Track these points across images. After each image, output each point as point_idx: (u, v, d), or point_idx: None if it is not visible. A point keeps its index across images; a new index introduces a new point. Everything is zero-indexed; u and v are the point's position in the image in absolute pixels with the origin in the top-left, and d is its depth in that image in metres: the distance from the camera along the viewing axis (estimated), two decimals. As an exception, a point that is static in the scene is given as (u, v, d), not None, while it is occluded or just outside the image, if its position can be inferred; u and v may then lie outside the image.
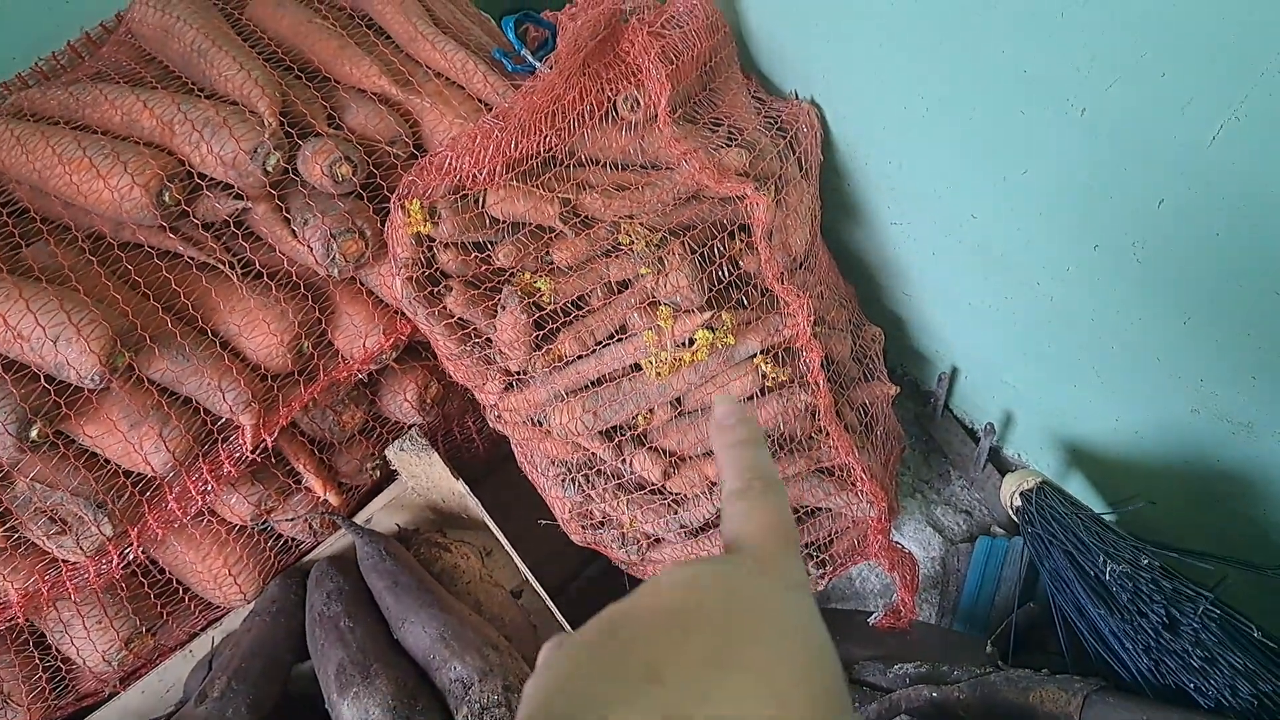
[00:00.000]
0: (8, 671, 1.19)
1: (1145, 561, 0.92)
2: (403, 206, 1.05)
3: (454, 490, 1.36)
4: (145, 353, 1.05)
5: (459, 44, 1.22)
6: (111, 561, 1.08)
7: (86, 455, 1.07)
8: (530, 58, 1.23)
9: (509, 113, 1.06)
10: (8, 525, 1.04)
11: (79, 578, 1.08)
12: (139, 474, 1.09)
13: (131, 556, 1.09)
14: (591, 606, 1.23)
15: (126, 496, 1.08)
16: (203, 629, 1.30)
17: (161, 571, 1.24)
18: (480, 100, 1.21)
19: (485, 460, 1.54)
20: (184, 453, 1.08)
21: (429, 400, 1.34)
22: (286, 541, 1.32)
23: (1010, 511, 1.18)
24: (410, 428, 1.35)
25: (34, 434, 0.99)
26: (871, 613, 1.34)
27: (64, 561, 1.08)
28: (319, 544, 1.35)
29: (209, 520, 1.23)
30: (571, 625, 1.21)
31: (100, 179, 1.05)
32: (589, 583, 1.44)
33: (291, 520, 1.29)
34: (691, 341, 1.12)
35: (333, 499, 1.30)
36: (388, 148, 1.16)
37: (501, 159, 1.07)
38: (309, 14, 1.22)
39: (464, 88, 1.21)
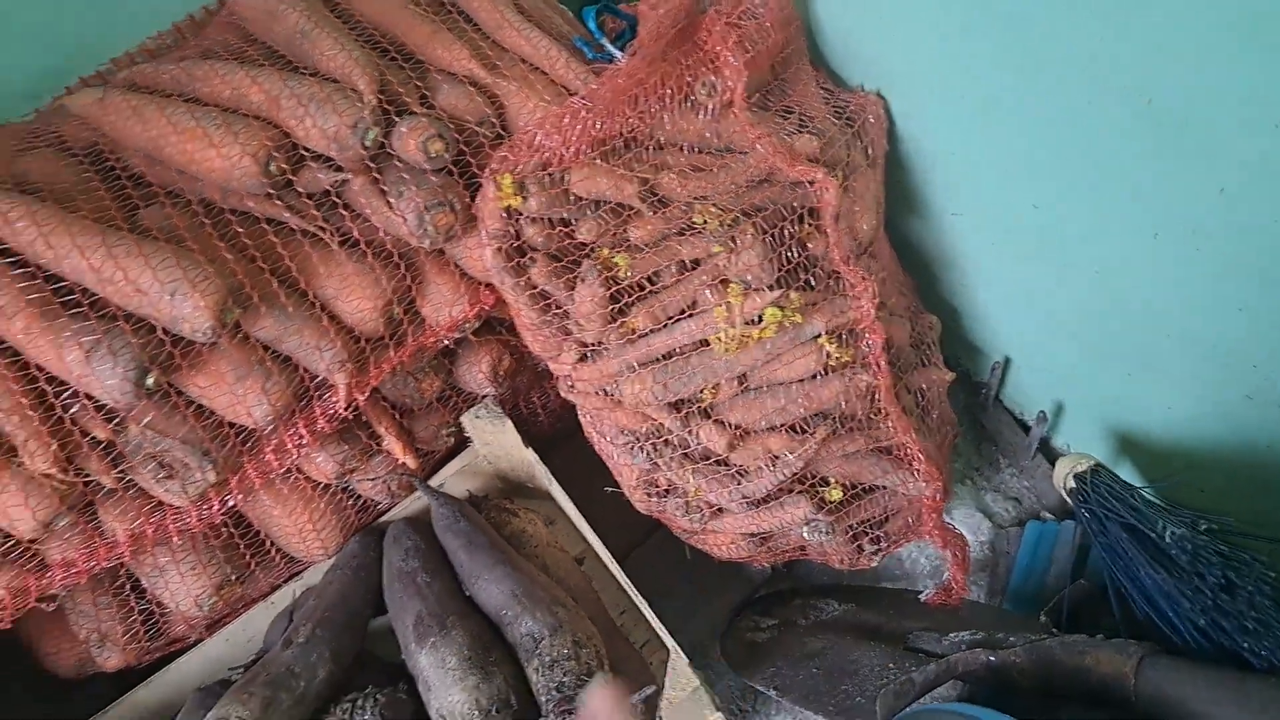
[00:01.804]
0: (106, 613, 1.26)
1: (1204, 527, 0.96)
2: (495, 181, 1.12)
3: (523, 459, 1.43)
4: (252, 311, 1.12)
5: (543, 32, 1.28)
6: (212, 507, 1.15)
7: (194, 406, 1.14)
8: (609, 46, 1.30)
9: (596, 94, 1.13)
10: (120, 469, 1.12)
11: (182, 522, 1.15)
12: (240, 426, 1.17)
13: (230, 504, 1.16)
14: (651, 573, 1.29)
15: (229, 446, 1.15)
16: (284, 581, 1.37)
17: (250, 525, 1.31)
18: (561, 85, 1.27)
19: (549, 435, 1.60)
20: (283, 407, 1.15)
21: (501, 373, 1.41)
22: (365, 502, 1.38)
23: (1063, 493, 1.22)
24: (484, 398, 1.41)
25: (150, 382, 1.07)
26: (921, 592, 1.39)
27: (169, 506, 1.16)
28: (394, 505, 1.41)
29: (296, 477, 1.30)
30: (636, 588, 1.26)
31: (213, 148, 1.13)
32: (650, 551, 1.49)
33: (372, 481, 1.36)
34: (760, 319, 1.18)
35: (410, 462, 1.37)
36: (476, 127, 1.22)
37: (586, 139, 1.14)
38: (404, 0, 1.29)
39: (546, 73, 1.28)
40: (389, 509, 1.42)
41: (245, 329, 1.14)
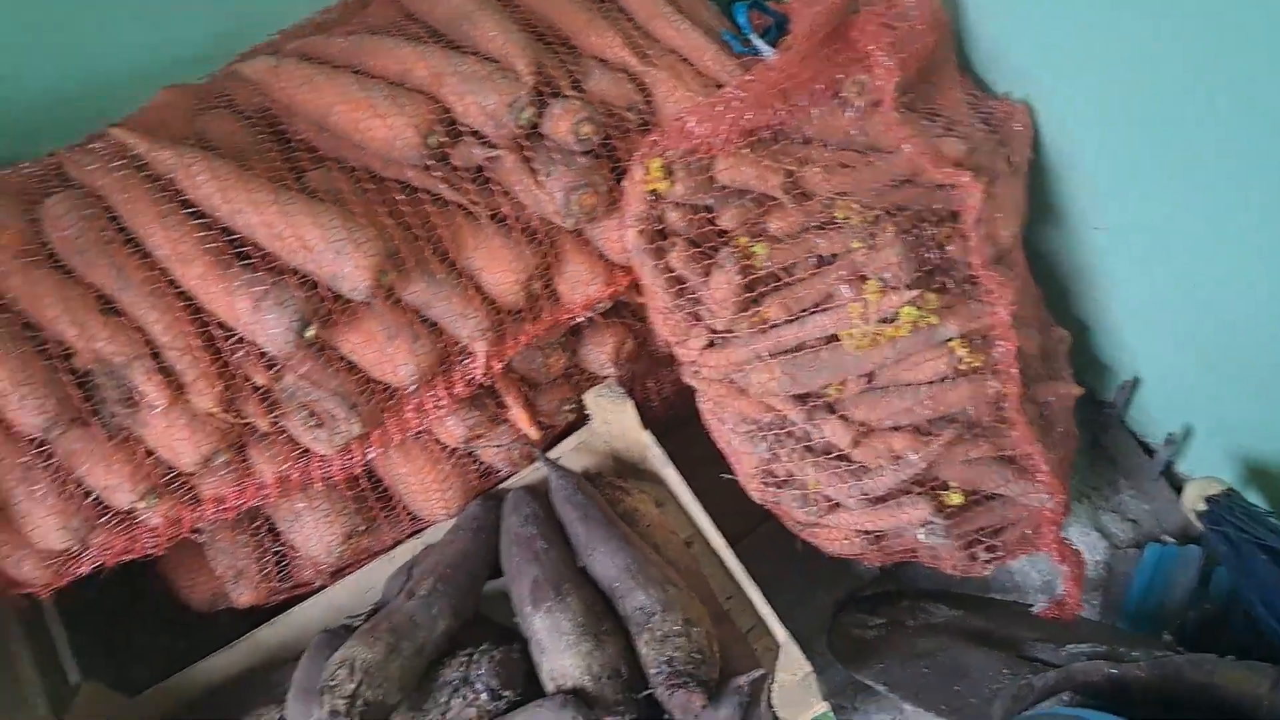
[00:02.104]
0: (243, 551, 1.34)
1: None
2: (644, 165, 1.15)
3: (638, 440, 1.46)
4: (405, 276, 1.18)
5: (694, 24, 1.32)
6: (354, 459, 1.21)
7: (345, 361, 1.20)
8: (757, 41, 1.32)
9: (748, 85, 1.15)
10: (274, 414, 1.18)
11: (325, 469, 1.22)
12: (385, 384, 1.23)
13: (370, 456, 1.22)
14: (759, 563, 1.30)
15: (374, 402, 1.21)
16: (406, 538, 1.42)
17: (380, 480, 1.37)
18: (709, 77, 1.30)
19: (661, 421, 1.63)
20: (427, 369, 1.21)
21: (623, 355, 1.45)
22: (487, 467, 1.43)
23: (1192, 515, 1.20)
24: (605, 378, 1.45)
25: (309, 334, 1.13)
26: (1032, 605, 1.38)
27: (314, 454, 1.22)
28: (514, 474, 1.46)
29: (426, 439, 1.36)
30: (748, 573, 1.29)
31: (378, 118, 1.19)
32: (758, 541, 1.51)
33: (496, 448, 1.41)
34: (895, 317, 1.19)
35: (533, 433, 1.41)
36: (625, 113, 1.26)
37: (736, 129, 1.16)
38: (561, -13, 1.33)
39: (694, 65, 1.31)
40: (508, 477, 1.46)
41: (398, 292, 1.19)
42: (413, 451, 1.36)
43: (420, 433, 1.35)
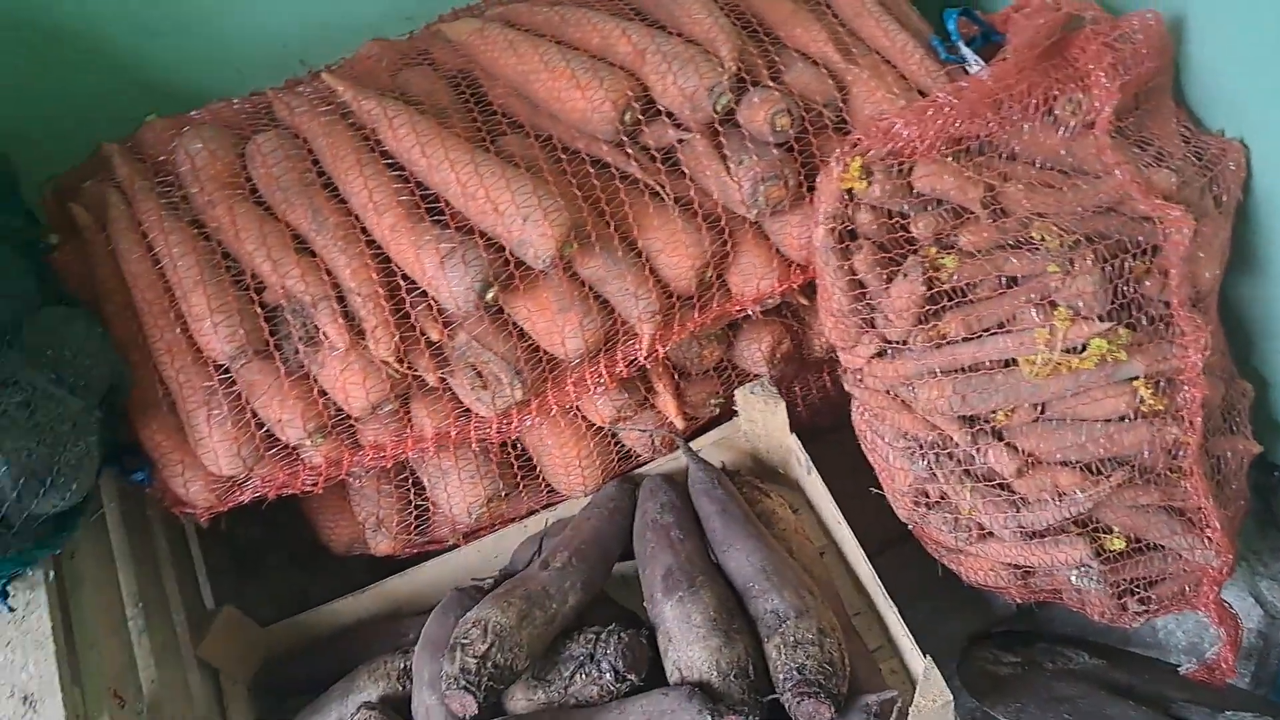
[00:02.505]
0: (386, 501, 1.36)
1: None
2: (844, 162, 1.13)
3: (783, 443, 1.44)
4: (586, 249, 1.18)
5: (901, 26, 1.28)
6: (512, 424, 1.22)
7: (516, 327, 1.21)
8: (964, 49, 1.28)
9: (962, 92, 1.12)
10: (443, 371, 1.20)
11: (483, 431, 1.23)
12: (550, 354, 1.23)
13: (528, 424, 1.22)
14: (892, 582, 1.26)
15: (538, 371, 1.22)
16: (540, 509, 1.43)
17: (525, 450, 1.38)
18: (911, 81, 1.27)
19: (803, 428, 1.60)
20: (593, 345, 1.21)
21: (778, 355, 1.43)
22: (628, 450, 1.43)
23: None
24: (756, 376, 1.43)
25: (490, 296, 1.14)
26: (1179, 666, 1.32)
27: (474, 414, 1.23)
28: (652, 460, 1.45)
29: (574, 414, 1.36)
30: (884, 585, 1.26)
31: (578, 89, 1.19)
32: (890, 561, 1.47)
33: (639, 432, 1.40)
34: (1082, 348, 1.14)
35: (679, 423, 1.40)
36: (822, 109, 1.24)
37: (943, 135, 1.13)
38: (768, -24, 1.31)
39: (897, 67, 1.28)
40: (646, 463, 1.46)
41: (576, 265, 1.20)
42: (560, 425, 1.36)
43: (569, 408, 1.35)
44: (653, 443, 1.43)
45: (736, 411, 1.44)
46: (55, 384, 1.02)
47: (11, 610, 1.04)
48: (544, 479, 1.41)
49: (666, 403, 1.38)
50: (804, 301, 1.39)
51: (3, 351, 0.98)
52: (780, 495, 1.47)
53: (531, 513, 1.44)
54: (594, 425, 1.38)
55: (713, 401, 1.45)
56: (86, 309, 1.17)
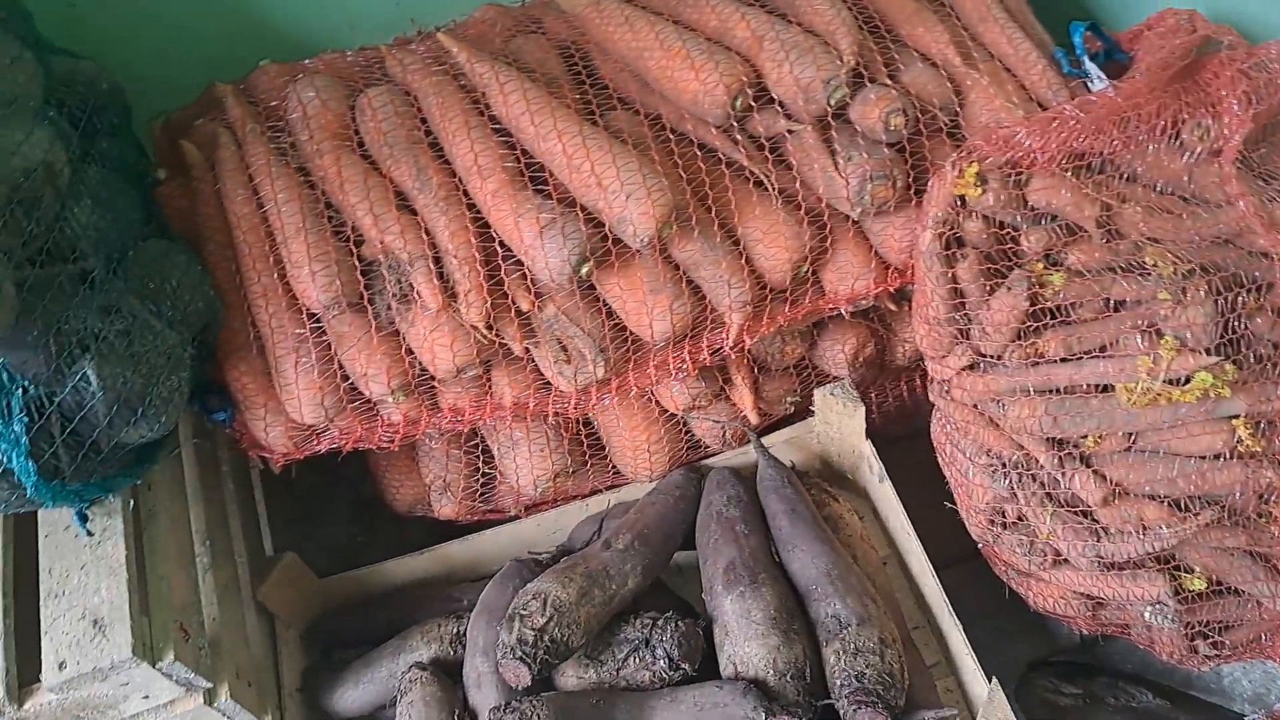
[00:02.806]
0: (454, 465, 1.36)
1: None
2: (960, 167, 1.10)
3: (857, 448, 1.42)
4: (684, 233, 1.16)
5: (1025, 34, 1.25)
6: (590, 401, 1.21)
7: (605, 305, 1.20)
8: (1089, 64, 1.25)
9: (1090, 106, 1.09)
10: (529, 341, 1.19)
11: (560, 405, 1.22)
12: (636, 335, 1.22)
13: (606, 403, 1.21)
14: (956, 600, 1.22)
15: (622, 351, 1.21)
16: (604, 490, 1.43)
17: (594, 429, 1.38)
18: (1030, 91, 1.24)
19: (877, 435, 1.58)
20: (680, 329, 1.20)
21: (860, 359, 1.41)
22: (698, 440, 1.42)
23: None
24: (839, 379, 1.41)
25: (584, 270, 1.13)
26: (1241, 715, 1.28)
27: (554, 388, 1.23)
28: (720, 453, 1.44)
29: (648, 398, 1.35)
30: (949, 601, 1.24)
31: (692, 70, 1.18)
32: (952, 578, 1.45)
33: (712, 423, 1.39)
34: (1185, 380, 1.11)
35: (753, 417, 1.39)
36: (937, 111, 1.21)
37: (1065, 149, 1.10)
38: (894, -28, 1.29)
39: (1018, 76, 1.25)
40: (714, 454, 1.44)
41: (671, 248, 1.18)
42: (633, 408, 1.35)
43: (644, 391, 1.34)
44: (724, 435, 1.42)
45: (811, 411, 1.42)
46: (154, 316, 1.03)
47: (90, 535, 1.06)
48: (611, 460, 1.40)
49: (743, 396, 1.37)
50: (892, 307, 1.37)
51: (110, 279, 0.99)
52: (847, 500, 1.45)
53: (595, 492, 1.43)
54: (666, 411, 1.37)
55: (788, 399, 1.43)
56: (188, 246, 1.18)
